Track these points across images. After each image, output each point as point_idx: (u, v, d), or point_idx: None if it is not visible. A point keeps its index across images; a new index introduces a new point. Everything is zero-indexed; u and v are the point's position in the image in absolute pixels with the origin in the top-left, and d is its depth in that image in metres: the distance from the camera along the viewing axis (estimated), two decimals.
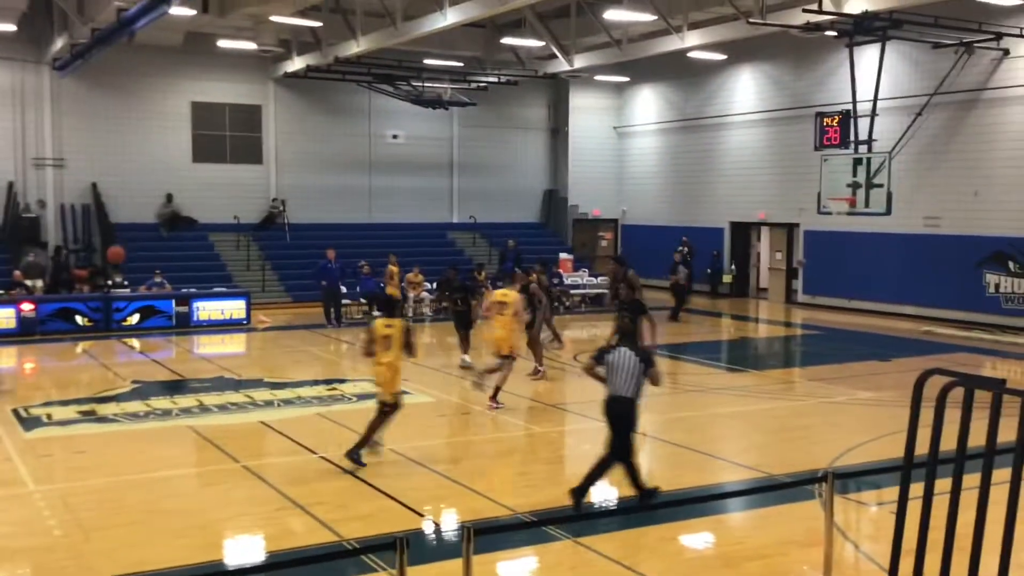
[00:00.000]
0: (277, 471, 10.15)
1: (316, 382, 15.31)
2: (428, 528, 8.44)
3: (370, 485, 9.49)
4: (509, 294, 13.86)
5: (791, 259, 27.42)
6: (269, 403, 13.60)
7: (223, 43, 25.47)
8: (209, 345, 20.34)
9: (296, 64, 26.72)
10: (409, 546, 5.20)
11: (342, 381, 15.43)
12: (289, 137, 29.09)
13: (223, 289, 23.62)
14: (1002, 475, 4.90)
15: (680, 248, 26.49)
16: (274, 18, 21.89)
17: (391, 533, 7.89)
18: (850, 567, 7.45)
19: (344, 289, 22.96)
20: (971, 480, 4.99)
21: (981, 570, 4.94)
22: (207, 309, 22.14)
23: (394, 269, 22.50)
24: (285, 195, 28.85)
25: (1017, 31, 20.31)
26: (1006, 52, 21.14)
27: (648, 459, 11.50)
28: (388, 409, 10.42)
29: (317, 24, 23.98)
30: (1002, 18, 20.31)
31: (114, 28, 18.79)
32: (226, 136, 28.33)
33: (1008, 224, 21.35)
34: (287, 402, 13.68)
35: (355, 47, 23.79)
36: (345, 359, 18.60)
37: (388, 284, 22.32)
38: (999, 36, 20.54)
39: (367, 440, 10.30)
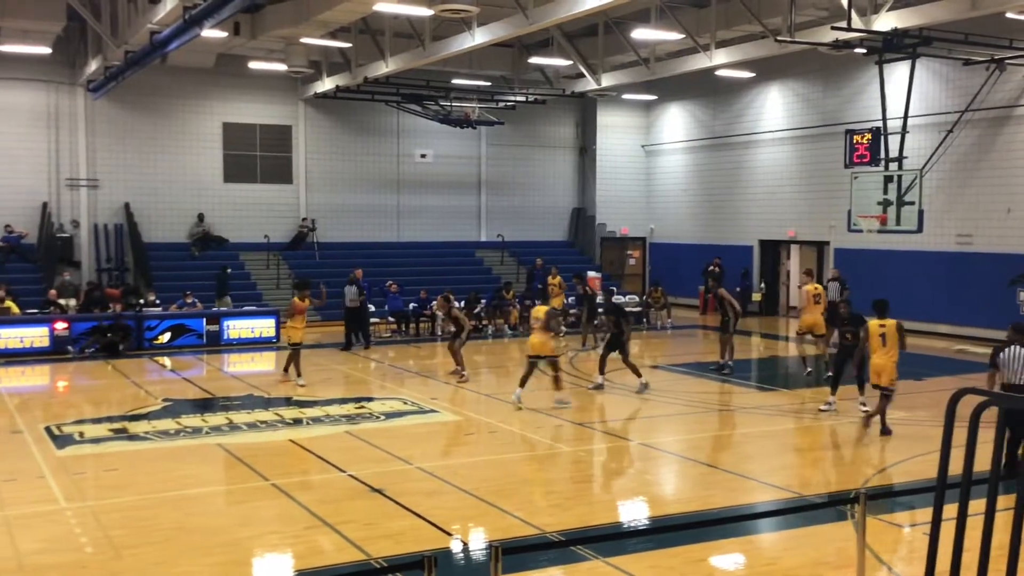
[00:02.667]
0: (306, 489, 10.18)
1: (344, 400, 15.36)
2: (456, 547, 8.42)
3: (398, 503, 9.49)
4: (540, 309, 15.59)
5: (822, 277, 27.18)
6: (298, 421, 13.66)
7: (254, 64, 25.78)
8: (239, 363, 20.49)
9: (326, 85, 26.97)
10: (437, 565, 5.19)
11: (370, 399, 15.47)
12: (319, 157, 29.34)
13: (253, 308, 23.79)
14: None
15: (711, 268, 26.53)
16: (304, 40, 22.11)
17: (419, 552, 7.89)
18: None
19: (372, 308, 23.04)
20: (1006, 501, 4.91)
21: None
22: (237, 328, 22.31)
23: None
24: (315, 214, 29.07)
25: None
26: None
27: (678, 478, 11.43)
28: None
29: (347, 45, 24.25)
30: None
31: (147, 50, 19.06)
32: (257, 156, 28.61)
33: None
34: (316, 420, 13.73)
35: (384, 67, 23.97)
36: (373, 377, 18.66)
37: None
38: None
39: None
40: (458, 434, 13.17)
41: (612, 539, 8.47)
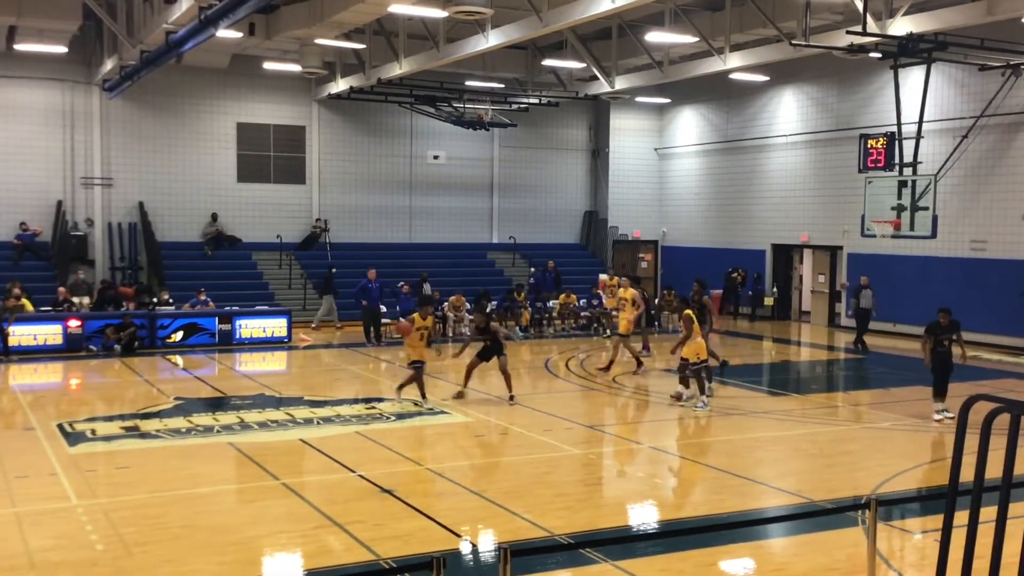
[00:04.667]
0: (316, 489, 10.20)
1: (355, 400, 15.39)
2: (465, 548, 8.42)
3: (407, 504, 9.50)
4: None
5: (834, 282, 27.12)
6: (309, 421, 13.69)
7: (268, 65, 25.87)
8: (251, 363, 20.55)
9: (340, 86, 27.04)
10: (446, 566, 5.20)
11: (380, 400, 15.49)
12: (332, 157, 29.42)
13: (265, 307, 23.86)
14: None
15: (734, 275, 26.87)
16: (319, 41, 22.18)
17: (428, 553, 7.90)
18: None
19: (384, 309, 23.12)
20: (1017, 508, 4.88)
21: None
22: (249, 327, 22.38)
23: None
24: (327, 215, 29.14)
25: None
26: None
27: (688, 482, 11.40)
28: None
29: (361, 46, 24.31)
30: None
31: (162, 50, 19.15)
32: (270, 156, 28.70)
33: None
34: (326, 420, 13.76)
35: (398, 69, 24.02)
36: (384, 378, 18.67)
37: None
38: None
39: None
40: (468, 435, 13.17)
41: (621, 542, 8.45)
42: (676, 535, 8.51)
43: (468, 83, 27.50)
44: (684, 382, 14.98)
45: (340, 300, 25.30)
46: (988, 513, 4.96)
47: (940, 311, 14.75)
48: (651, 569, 7.71)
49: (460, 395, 15.45)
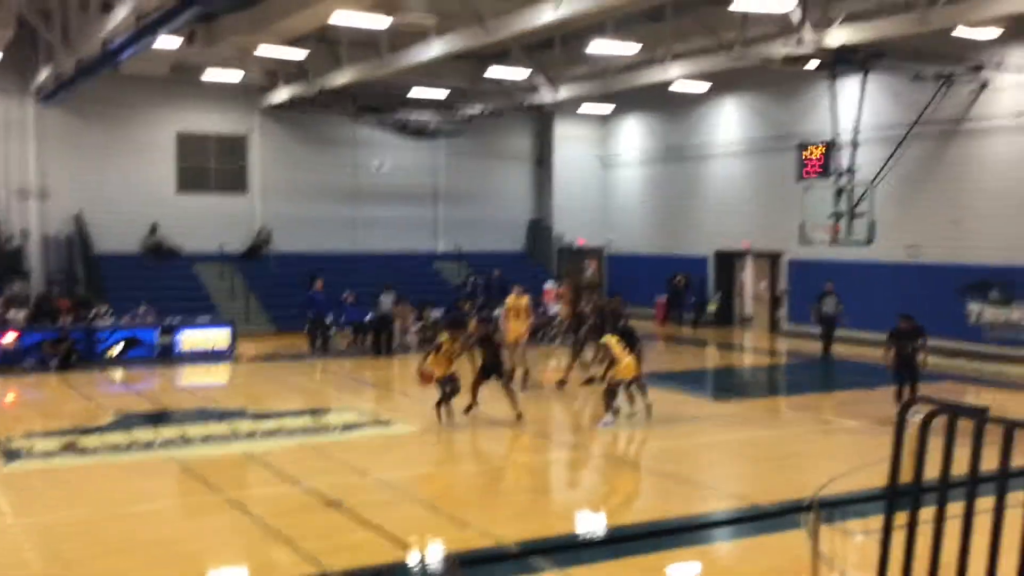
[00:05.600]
0: (260, 502, 10.07)
1: (300, 412, 15.23)
2: (413, 559, 8.38)
3: (354, 516, 9.42)
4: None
5: (776, 288, 27.54)
6: (252, 434, 13.50)
7: (209, 74, 25.54)
8: (193, 375, 20.23)
9: (282, 95, 26.82)
10: None
11: (327, 411, 15.35)
12: (274, 167, 29.14)
13: (207, 319, 23.50)
14: (986, 503, 4.92)
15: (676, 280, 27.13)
16: (261, 49, 21.98)
17: (376, 565, 7.84)
18: None
19: (330, 319, 23.00)
20: (955, 508, 5.00)
21: None
22: (191, 339, 22.01)
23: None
24: (270, 225, 28.85)
25: (996, 63, 20.59)
26: (985, 84, 21.41)
27: (636, 488, 11.48)
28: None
29: (303, 55, 24.08)
30: (981, 51, 20.59)
31: (99, 59, 18.84)
32: (211, 166, 28.35)
33: (988, 253, 21.52)
34: (271, 433, 13.58)
35: (341, 77, 23.90)
36: (330, 388, 18.52)
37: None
38: (978, 68, 20.82)
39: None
40: (416, 445, 13.11)
41: (570, 549, 8.48)
42: (623, 541, 8.56)
43: (412, 92, 27.43)
44: (609, 402, 14.14)
45: (285, 311, 25.05)
46: (928, 513, 5.07)
47: (901, 317, 15.12)
48: (598, 575, 7.74)
49: (470, 408, 14.24)
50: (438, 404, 13.87)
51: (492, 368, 14.15)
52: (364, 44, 23.24)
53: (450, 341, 13.93)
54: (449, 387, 13.77)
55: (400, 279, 27.52)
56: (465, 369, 14.24)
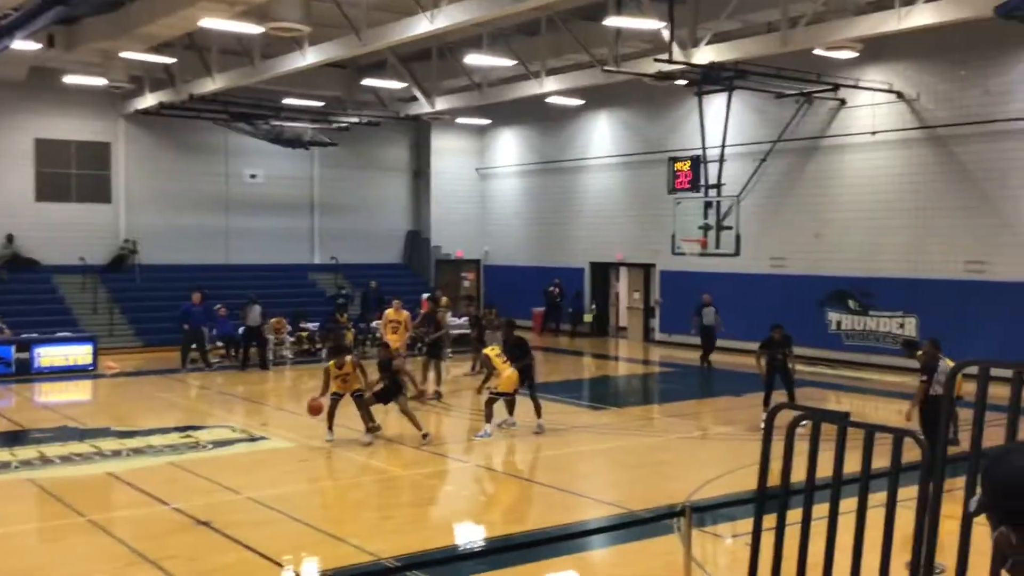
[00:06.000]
0: (126, 524, 9.66)
1: (168, 430, 14.69)
2: None
3: (226, 536, 9.13)
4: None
5: (649, 298, 28.17)
6: (117, 453, 12.96)
7: (70, 78, 24.44)
8: (52, 393, 19.28)
9: (148, 101, 25.90)
10: None
11: (197, 428, 14.86)
12: (141, 176, 28.10)
13: (67, 334, 22.46)
14: (850, 504, 5.13)
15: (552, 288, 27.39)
16: (124, 54, 21.19)
17: None
18: None
19: (214, 332, 22.41)
20: (821, 509, 5.19)
21: None
22: (49, 355, 20.98)
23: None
24: (136, 235, 27.78)
25: (852, 82, 21.63)
26: (843, 102, 22.47)
27: (514, 499, 11.52)
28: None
29: (171, 61, 23.31)
30: (839, 70, 21.60)
31: None
32: (72, 174, 27.15)
33: (847, 264, 22.55)
34: (137, 451, 13.07)
35: (211, 84, 23.26)
36: (201, 404, 17.94)
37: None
38: (836, 87, 21.82)
39: None
40: (290, 461, 12.82)
41: (448, 563, 8.43)
42: (502, 552, 8.57)
43: (286, 101, 26.94)
44: (489, 413, 14.11)
45: (153, 325, 24.17)
46: (795, 515, 5.24)
47: (773, 327, 15.69)
48: None
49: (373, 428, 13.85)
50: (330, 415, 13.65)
51: (392, 393, 13.78)
52: (235, 51, 22.71)
53: (335, 367, 13.66)
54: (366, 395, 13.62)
55: (275, 291, 26.99)
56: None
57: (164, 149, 28.42)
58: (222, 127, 27.71)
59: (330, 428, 13.62)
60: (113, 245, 27.52)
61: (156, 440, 13.79)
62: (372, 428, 13.71)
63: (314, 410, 13.67)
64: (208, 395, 18.92)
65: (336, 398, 13.68)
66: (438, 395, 17.82)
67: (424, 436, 13.54)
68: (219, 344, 23.17)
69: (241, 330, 22.52)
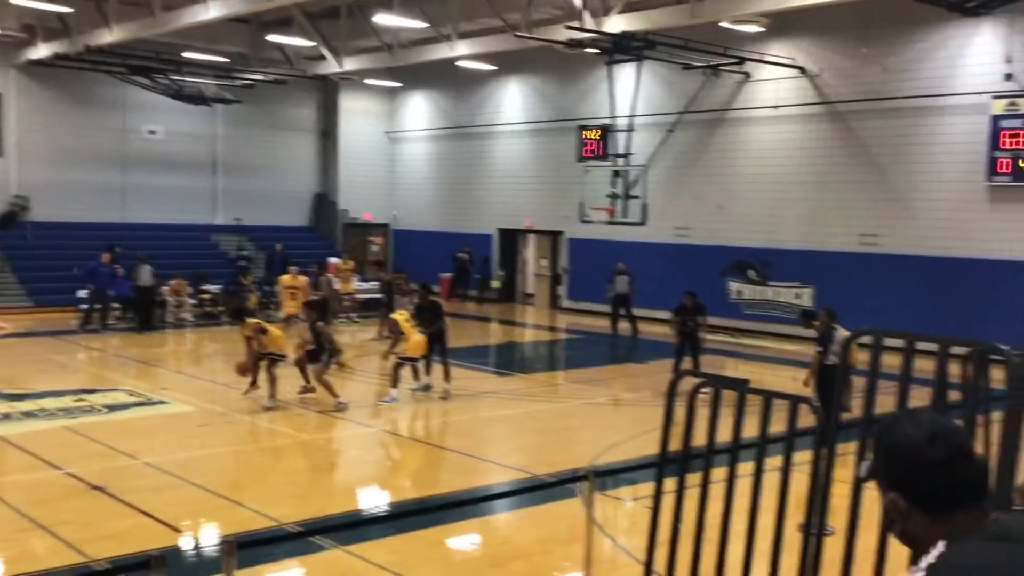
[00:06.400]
0: (16, 490, 9.34)
1: (62, 393, 14.22)
2: (187, 544, 8.03)
3: (122, 501, 8.91)
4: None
5: (556, 266, 28.36)
6: (7, 416, 12.50)
7: None
8: None
9: (41, 51, 24.77)
10: (166, 564, 4.92)
11: (92, 391, 14.43)
12: (34, 129, 26.90)
13: None
14: (747, 468, 5.27)
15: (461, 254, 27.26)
16: (16, 1, 20.19)
17: (145, 551, 7.46)
18: (608, 561, 7.77)
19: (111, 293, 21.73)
20: (719, 473, 5.33)
21: (728, 558, 5.28)
22: None
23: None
24: (29, 191, 26.64)
25: (757, 57, 22.01)
26: (747, 75, 22.86)
27: (418, 464, 11.52)
28: None
29: (66, 10, 22.28)
30: (745, 44, 21.95)
31: None
32: None
33: (748, 235, 23.06)
34: (28, 415, 12.62)
35: (108, 36, 22.37)
36: (96, 367, 17.41)
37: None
38: (742, 60, 22.18)
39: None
40: (190, 426, 12.56)
41: (352, 527, 8.39)
42: (405, 516, 8.58)
43: (187, 55, 26.09)
44: (395, 377, 14.13)
45: (46, 284, 23.29)
46: (694, 479, 5.37)
47: (686, 294, 15.94)
48: (381, 551, 7.71)
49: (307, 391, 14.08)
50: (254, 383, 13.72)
51: (317, 355, 13.67)
52: (135, 2, 21.86)
53: (241, 330, 13.86)
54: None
55: (175, 252, 26.28)
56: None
57: (58, 102, 27.25)
58: (120, 81, 26.69)
59: (256, 389, 13.65)
60: (3, 201, 26.36)
61: (49, 403, 13.34)
62: (307, 389, 13.91)
63: (241, 369, 13.79)
64: (104, 358, 18.37)
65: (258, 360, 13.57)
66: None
67: (338, 404, 13.39)
68: (115, 306, 22.47)
69: (131, 291, 21.89)
